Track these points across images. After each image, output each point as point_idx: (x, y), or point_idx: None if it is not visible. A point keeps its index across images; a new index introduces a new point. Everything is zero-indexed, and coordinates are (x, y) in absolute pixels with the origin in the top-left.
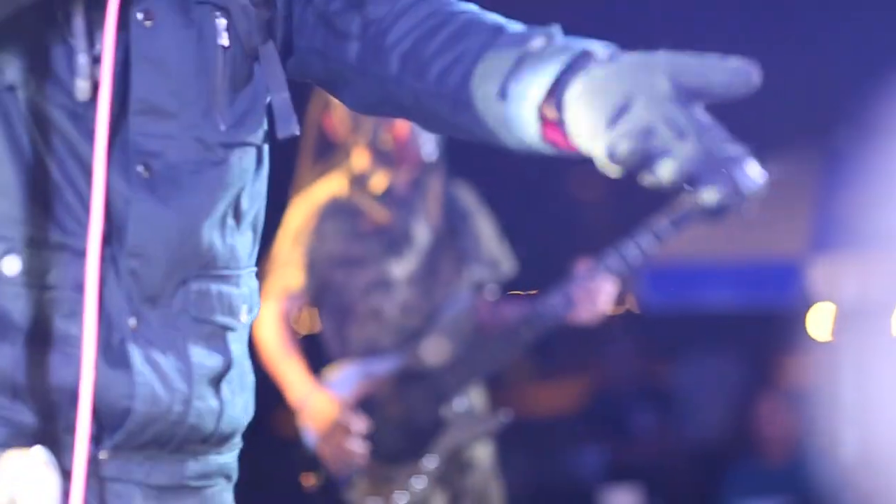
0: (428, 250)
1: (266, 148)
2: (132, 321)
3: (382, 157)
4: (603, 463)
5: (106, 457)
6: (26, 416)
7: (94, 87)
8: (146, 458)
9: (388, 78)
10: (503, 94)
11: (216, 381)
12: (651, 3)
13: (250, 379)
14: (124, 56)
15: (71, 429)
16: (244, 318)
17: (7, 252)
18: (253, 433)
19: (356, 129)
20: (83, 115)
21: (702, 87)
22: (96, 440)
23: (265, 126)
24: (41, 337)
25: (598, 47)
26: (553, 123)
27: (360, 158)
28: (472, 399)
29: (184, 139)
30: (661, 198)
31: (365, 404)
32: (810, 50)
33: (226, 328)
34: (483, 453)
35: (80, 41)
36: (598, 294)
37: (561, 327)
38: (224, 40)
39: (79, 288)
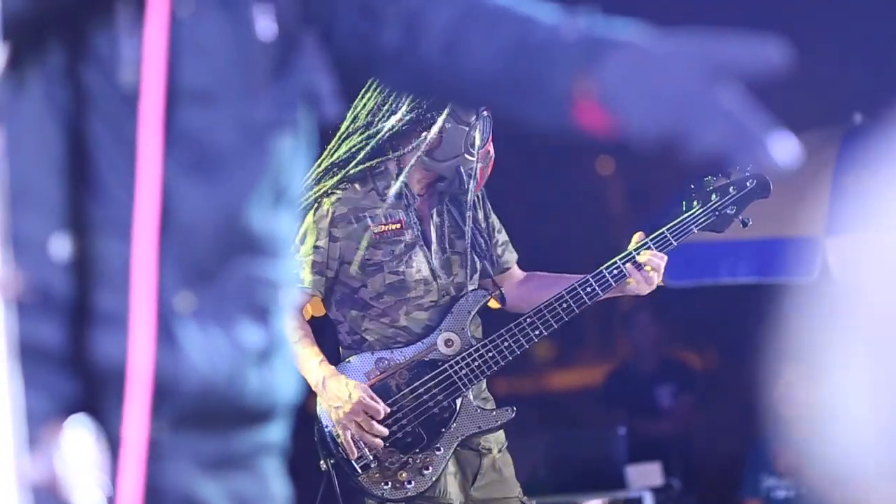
0: (440, 248)
1: (306, 132)
2: (179, 299)
3: (399, 156)
4: (624, 439)
5: (155, 432)
6: (73, 390)
7: (140, 74)
8: (196, 433)
9: (427, 64)
10: (540, 76)
11: (263, 358)
12: None
13: (293, 357)
14: (168, 44)
15: (119, 404)
16: (287, 297)
17: (55, 231)
18: None
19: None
20: (130, 102)
21: (736, 68)
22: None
23: (306, 110)
24: (93, 314)
25: (630, 32)
26: (589, 104)
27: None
28: (486, 389)
29: (227, 121)
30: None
31: (380, 391)
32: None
33: (270, 306)
34: (497, 439)
35: (125, 26)
36: (653, 265)
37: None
38: (266, 25)
39: (127, 266)
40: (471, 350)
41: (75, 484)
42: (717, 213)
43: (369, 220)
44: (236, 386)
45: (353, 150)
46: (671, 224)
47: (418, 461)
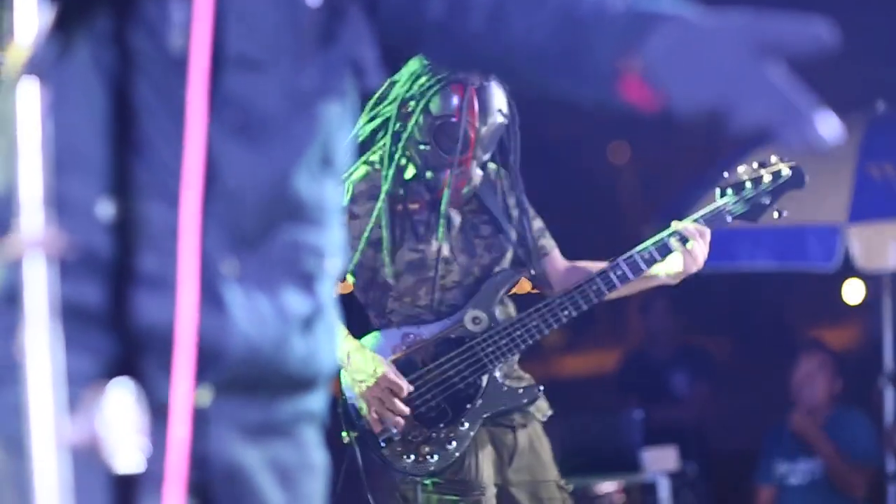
0: (463, 229)
1: (351, 101)
2: (227, 264)
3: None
4: (640, 424)
5: (200, 396)
6: (122, 354)
7: (188, 39)
8: (239, 398)
9: (472, 36)
10: (585, 49)
11: (307, 326)
12: None
13: (338, 326)
14: (216, 9)
15: (164, 367)
16: (332, 265)
17: (101, 196)
18: None
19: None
20: (178, 65)
21: (784, 45)
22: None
23: (352, 79)
24: (137, 277)
25: (676, 6)
26: (634, 78)
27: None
28: (518, 368)
29: (274, 89)
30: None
31: (405, 366)
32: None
33: (315, 274)
34: (540, 408)
35: None
36: (696, 240)
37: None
38: None
39: (173, 232)
40: (498, 328)
41: (116, 446)
42: (751, 202)
43: (390, 199)
44: (281, 353)
45: (379, 136)
46: (705, 211)
47: (442, 435)
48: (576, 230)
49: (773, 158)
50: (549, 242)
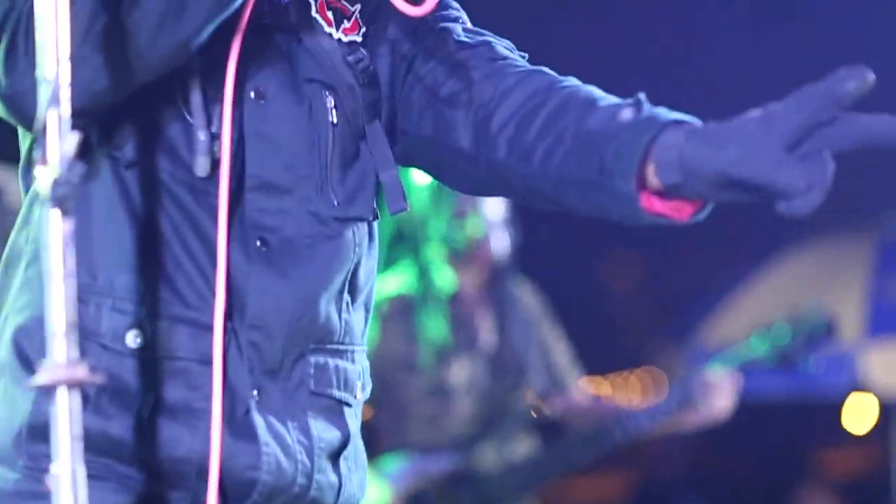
0: (491, 357)
1: (376, 225)
2: (255, 393)
3: (454, 255)
4: None
5: None
6: (151, 486)
7: (213, 162)
8: None
9: (497, 163)
10: (602, 170)
11: (335, 456)
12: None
13: (364, 457)
14: (239, 133)
15: (197, 500)
16: (359, 394)
17: (130, 326)
18: None
19: (428, 223)
20: (203, 190)
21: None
22: None
23: (375, 203)
24: (165, 409)
25: (685, 117)
26: (655, 193)
27: (430, 254)
28: None
29: (299, 214)
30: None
31: (412, 495)
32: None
33: (343, 403)
34: None
35: (198, 118)
36: (722, 390)
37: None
38: (333, 118)
39: (201, 360)
40: (512, 467)
41: None
42: (786, 355)
43: (418, 320)
44: (308, 482)
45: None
46: (738, 359)
47: None
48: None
49: (806, 308)
50: (572, 377)
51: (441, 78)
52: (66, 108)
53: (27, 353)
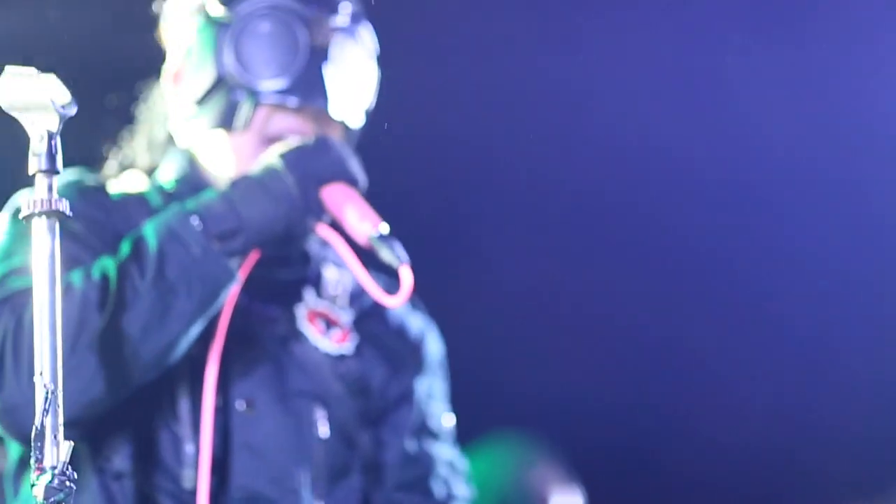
0: None
1: None
2: None
3: None
4: None
5: None
6: None
7: (198, 475)
8: None
9: None
10: None
11: None
12: None
13: None
14: (225, 444)
15: None
16: None
17: None
18: None
19: None
20: (189, 501)
21: None
22: None
23: None
24: None
25: None
26: None
27: None
28: None
29: None
30: None
31: None
32: None
33: None
34: None
35: (185, 429)
36: None
37: None
38: (323, 431)
39: None
40: None
41: None
42: None
43: None
44: None
45: None
46: None
47: None
48: None
49: None
50: None
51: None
52: (59, 417)
53: None
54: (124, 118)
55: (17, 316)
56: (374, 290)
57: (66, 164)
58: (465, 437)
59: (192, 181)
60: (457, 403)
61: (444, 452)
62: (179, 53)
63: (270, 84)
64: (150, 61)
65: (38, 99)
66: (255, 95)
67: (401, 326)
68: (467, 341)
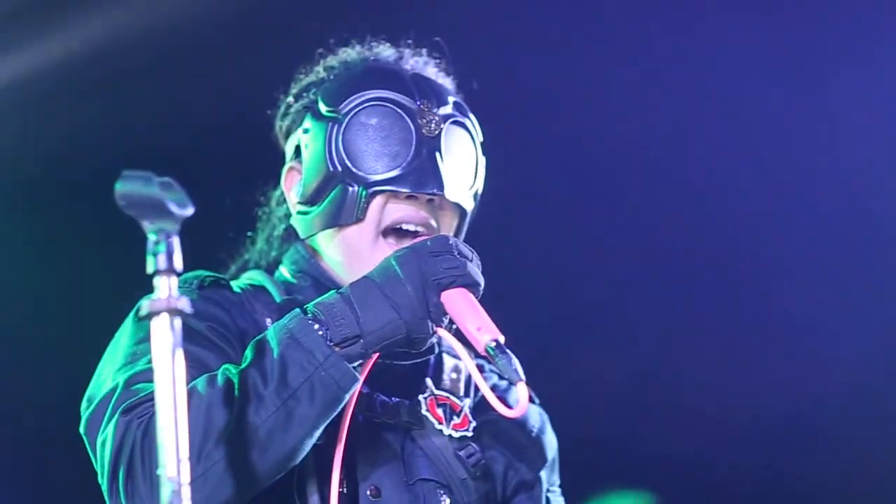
0: None
1: None
2: None
3: None
4: None
5: None
6: None
7: None
8: None
9: None
10: None
11: None
12: None
13: None
14: None
15: None
16: None
17: None
18: None
19: None
20: None
21: None
22: None
23: None
24: None
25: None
26: None
27: None
28: None
29: None
30: None
31: None
32: None
33: None
34: None
35: None
36: None
37: None
38: None
39: None
40: None
41: None
42: None
43: None
44: None
45: None
46: None
47: None
48: None
49: None
50: None
51: None
52: None
53: None
54: (242, 220)
55: (144, 425)
56: (494, 400)
57: (185, 265)
58: None
59: (312, 274)
60: None
61: None
62: (293, 152)
63: (383, 175)
64: (266, 163)
65: (154, 201)
66: (368, 186)
67: (520, 417)
68: None
